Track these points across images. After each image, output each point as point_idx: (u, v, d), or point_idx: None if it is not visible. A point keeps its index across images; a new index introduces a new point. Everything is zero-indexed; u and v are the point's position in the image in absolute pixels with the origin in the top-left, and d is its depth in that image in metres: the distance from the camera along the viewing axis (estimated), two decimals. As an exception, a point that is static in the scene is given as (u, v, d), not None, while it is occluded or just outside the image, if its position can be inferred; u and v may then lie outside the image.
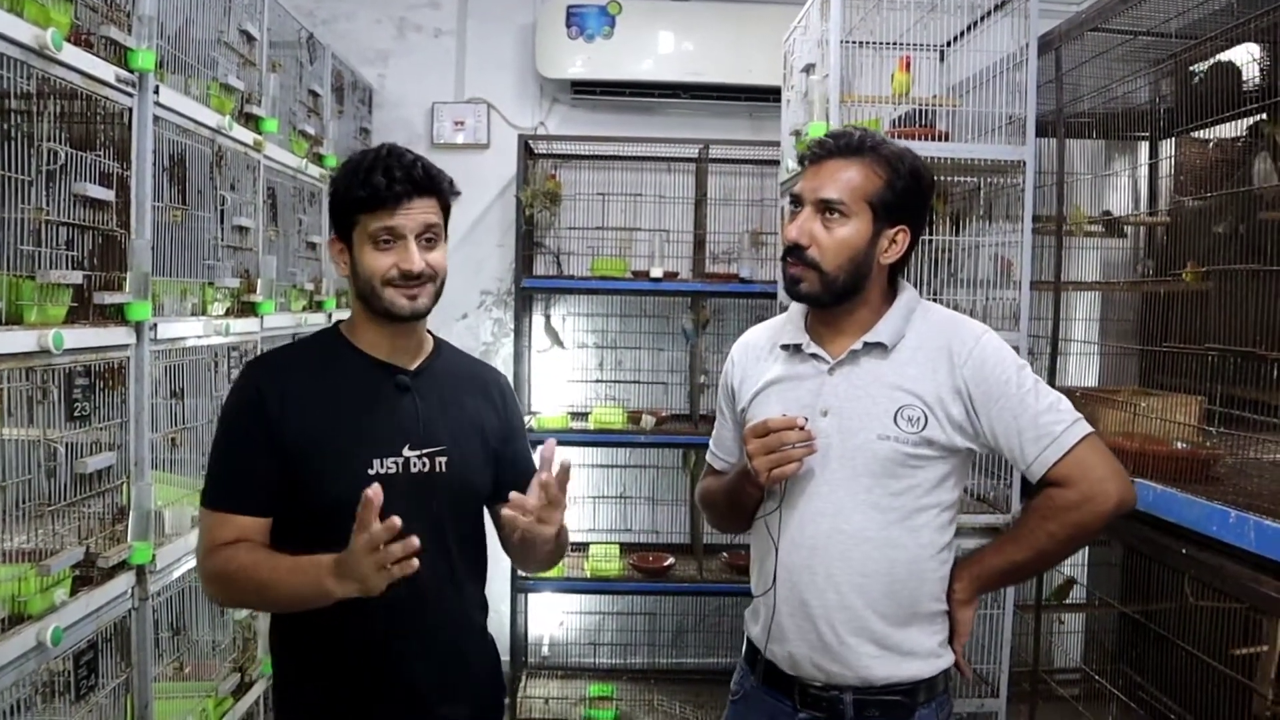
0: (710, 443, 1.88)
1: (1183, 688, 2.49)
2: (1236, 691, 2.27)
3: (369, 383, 1.60)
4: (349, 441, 1.55)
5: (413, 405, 1.60)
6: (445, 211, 1.61)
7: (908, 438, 1.57)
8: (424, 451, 1.59)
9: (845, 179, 1.59)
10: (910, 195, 1.62)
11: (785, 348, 1.70)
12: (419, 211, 1.53)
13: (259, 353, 2.57)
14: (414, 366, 1.64)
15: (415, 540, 1.35)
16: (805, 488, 1.61)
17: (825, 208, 1.59)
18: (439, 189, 1.56)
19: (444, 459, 1.60)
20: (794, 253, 1.60)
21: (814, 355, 1.65)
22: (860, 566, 1.58)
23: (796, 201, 1.64)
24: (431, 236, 1.56)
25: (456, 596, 1.65)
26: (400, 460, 1.57)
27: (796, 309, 1.73)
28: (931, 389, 1.58)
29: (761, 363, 1.74)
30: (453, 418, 1.65)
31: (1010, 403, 1.55)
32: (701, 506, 1.91)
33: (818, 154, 1.63)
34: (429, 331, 1.71)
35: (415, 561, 1.36)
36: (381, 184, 1.49)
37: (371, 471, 1.54)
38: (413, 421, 1.59)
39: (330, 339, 1.65)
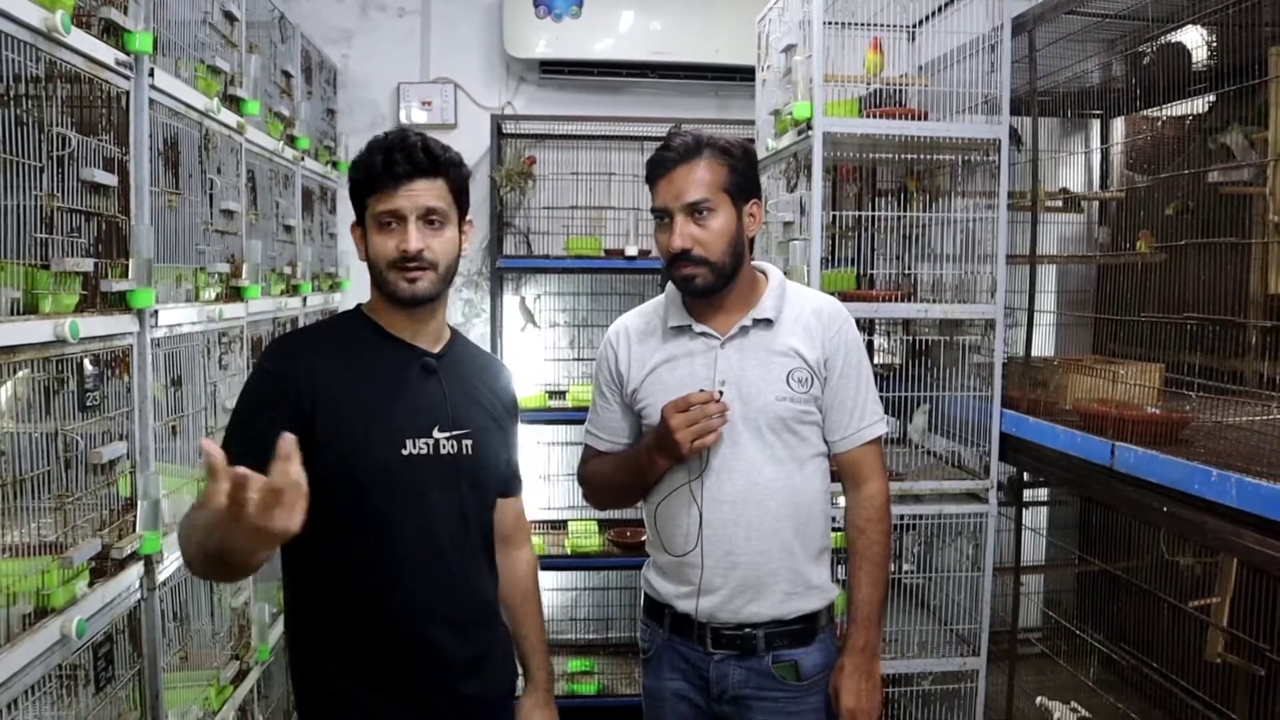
0: (588, 427, 2.01)
1: (1142, 639, 2.64)
2: (1192, 639, 2.41)
3: (397, 364, 1.62)
4: (382, 422, 1.56)
5: (439, 388, 1.63)
6: (456, 194, 1.62)
7: (800, 396, 1.81)
8: (453, 433, 1.62)
9: (699, 179, 1.75)
10: (751, 171, 1.83)
11: (673, 329, 1.87)
12: (420, 193, 1.54)
13: (245, 338, 2.54)
14: (437, 350, 1.67)
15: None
16: (718, 449, 1.79)
17: (693, 210, 1.75)
18: (443, 169, 1.57)
19: (470, 442, 1.64)
20: (682, 257, 1.77)
21: (703, 334, 1.84)
22: (775, 513, 1.80)
23: (663, 214, 1.78)
24: (435, 220, 1.57)
25: (481, 576, 1.69)
26: (431, 441, 1.59)
27: (672, 295, 1.90)
28: (812, 354, 1.83)
29: (645, 345, 1.90)
30: (475, 402, 1.69)
31: (849, 382, 1.85)
32: (589, 486, 2.03)
33: (665, 164, 1.77)
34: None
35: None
36: (378, 164, 1.52)
37: (405, 452, 1.56)
38: (441, 403, 1.62)
39: (355, 320, 1.67)
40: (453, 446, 1.61)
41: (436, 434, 1.59)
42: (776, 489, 1.81)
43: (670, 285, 1.91)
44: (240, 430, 1.54)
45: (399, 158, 1.53)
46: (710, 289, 1.80)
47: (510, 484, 1.80)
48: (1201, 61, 2.63)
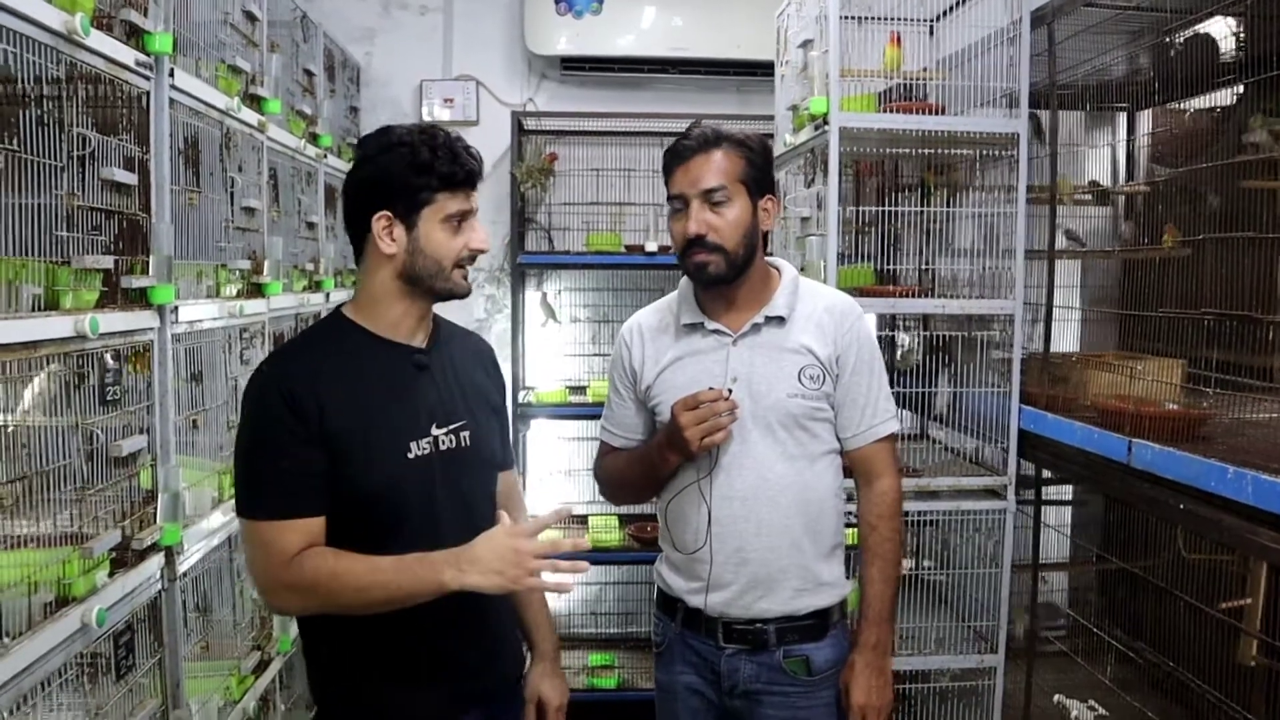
0: (603, 423, 2.02)
1: (1167, 640, 2.61)
2: (1221, 641, 2.38)
3: (390, 366, 1.61)
4: (386, 427, 1.56)
5: (431, 383, 1.64)
6: None
7: (812, 393, 1.82)
8: (450, 428, 1.63)
9: (716, 167, 1.77)
10: (767, 166, 1.85)
11: (686, 326, 1.88)
12: (475, 195, 1.60)
13: (266, 333, 2.57)
14: (425, 345, 1.67)
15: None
16: (728, 446, 1.81)
17: (709, 197, 1.77)
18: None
19: (466, 433, 1.65)
20: (697, 244, 1.78)
21: (715, 330, 1.85)
22: (785, 510, 1.81)
23: (681, 201, 1.79)
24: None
25: None
26: (431, 440, 1.60)
27: (684, 292, 1.91)
28: (824, 351, 1.83)
29: (659, 343, 1.91)
30: (465, 391, 1.70)
31: (861, 378, 1.85)
32: (604, 482, 2.05)
33: (682, 154, 1.80)
34: None
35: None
36: (475, 165, 1.56)
37: (410, 455, 1.57)
38: (435, 399, 1.63)
39: (339, 325, 1.63)
40: (451, 441, 1.62)
41: (435, 431, 1.60)
42: (786, 485, 1.82)
43: (683, 281, 1.92)
44: (271, 474, 1.50)
45: (473, 156, 1.58)
46: (722, 278, 1.80)
47: (504, 460, 1.81)
48: (1229, 53, 2.58)
